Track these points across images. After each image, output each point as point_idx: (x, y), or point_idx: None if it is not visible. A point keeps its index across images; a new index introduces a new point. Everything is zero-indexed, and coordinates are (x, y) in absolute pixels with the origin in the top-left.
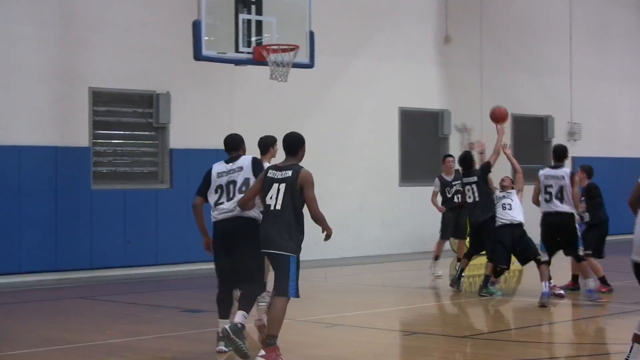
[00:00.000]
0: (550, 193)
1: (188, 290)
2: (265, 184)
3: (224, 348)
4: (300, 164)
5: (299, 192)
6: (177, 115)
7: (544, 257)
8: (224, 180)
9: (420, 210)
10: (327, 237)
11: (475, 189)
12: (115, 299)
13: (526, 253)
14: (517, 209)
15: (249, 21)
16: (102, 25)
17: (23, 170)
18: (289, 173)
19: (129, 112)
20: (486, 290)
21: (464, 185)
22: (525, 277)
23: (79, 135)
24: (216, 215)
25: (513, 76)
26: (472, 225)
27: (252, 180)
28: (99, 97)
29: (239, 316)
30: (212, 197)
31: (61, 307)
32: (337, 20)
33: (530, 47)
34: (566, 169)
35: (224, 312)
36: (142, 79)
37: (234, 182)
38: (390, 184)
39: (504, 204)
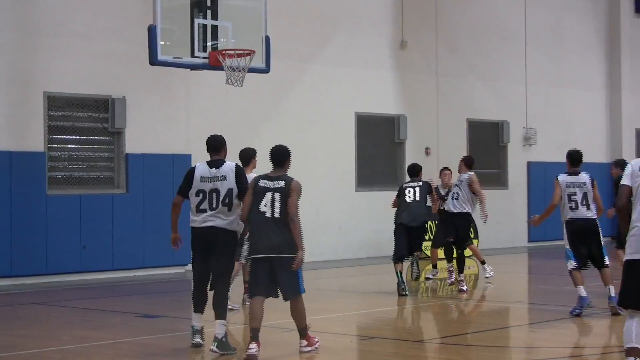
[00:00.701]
0: (575, 201)
1: (144, 295)
2: (257, 193)
3: (200, 341)
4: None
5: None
6: (133, 120)
7: (572, 265)
8: (207, 187)
9: (376, 215)
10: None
11: (417, 192)
12: (70, 305)
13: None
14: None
15: (204, 26)
16: (58, 30)
17: None
18: (282, 183)
19: (85, 117)
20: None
21: (406, 187)
22: (481, 281)
23: (34, 140)
24: (197, 222)
25: (469, 81)
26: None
27: (235, 190)
28: (54, 102)
29: (219, 327)
30: (193, 200)
31: (16, 313)
32: (293, 25)
33: (485, 53)
34: (586, 175)
35: (199, 307)
36: (97, 83)
37: (217, 191)
38: (346, 189)
39: (454, 194)
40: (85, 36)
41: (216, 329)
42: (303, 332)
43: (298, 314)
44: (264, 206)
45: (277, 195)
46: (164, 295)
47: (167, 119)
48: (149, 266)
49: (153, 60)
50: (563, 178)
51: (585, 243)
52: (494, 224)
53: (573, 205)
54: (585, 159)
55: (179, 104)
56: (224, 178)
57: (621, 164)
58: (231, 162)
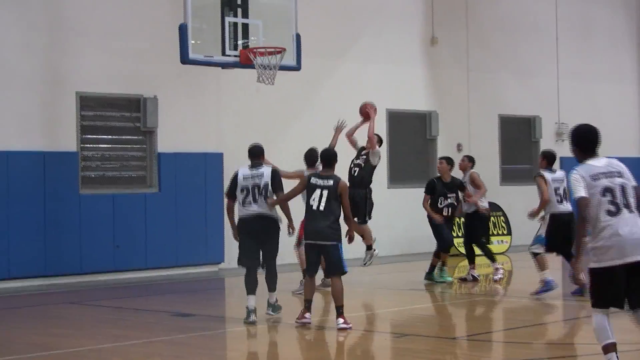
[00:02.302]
0: (560, 195)
1: (177, 294)
2: (309, 189)
3: (254, 318)
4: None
5: (338, 197)
6: (165, 119)
7: (540, 249)
8: (249, 183)
9: (409, 212)
10: (350, 239)
11: None
12: (104, 304)
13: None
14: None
15: (235, 24)
16: (89, 30)
17: (11, 176)
18: (331, 182)
19: (117, 117)
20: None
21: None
22: (515, 277)
23: (66, 140)
24: (243, 212)
25: (500, 77)
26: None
27: (270, 185)
28: (86, 102)
29: (271, 296)
30: (239, 196)
31: (50, 313)
32: (324, 22)
33: (516, 48)
34: (562, 171)
35: (252, 290)
36: (129, 83)
37: (257, 186)
38: (379, 186)
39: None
40: (116, 35)
41: (269, 298)
42: (340, 310)
43: (337, 291)
44: (313, 200)
45: (324, 192)
46: (197, 293)
47: (199, 117)
48: (182, 265)
49: (184, 59)
50: (548, 175)
51: (565, 235)
52: (527, 220)
53: (559, 198)
54: (617, 153)
55: (210, 103)
56: (262, 175)
57: None
58: (269, 167)
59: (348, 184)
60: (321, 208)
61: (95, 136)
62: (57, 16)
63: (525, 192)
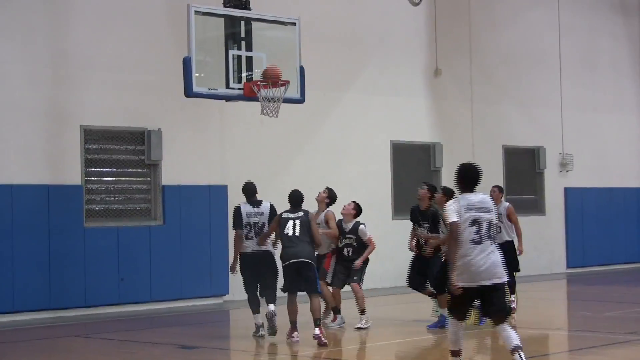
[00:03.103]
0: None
1: (182, 326)
2: (282, 223)
3: (264, 333)
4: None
5: (309, 226)
6: (169, 152)
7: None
8: (252, 220)
9: None
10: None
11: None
12: (109, 337)
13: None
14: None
15: (239, 57)
16: (93, 63)
17: (16, 209)
18: (301, 213)
19: (121, 150)
20: None
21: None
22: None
23: (71, 173)
24: (247, 247)
25: (504, 108)
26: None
27: (267, 223)
28: (90, 135)
29: (272, 306)
30: (244, 231)
31: (55, 346)
32: (327, 54)
33: (520, 79)
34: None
35: (256, 308)
36: (133, 116)
37: (257, 224)
38: (383, 217)
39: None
40: (119, 69)
41: (270, 307)
42: (317, 322)
43: (317, 306)
44: (287, 229)
45: (297, 222)
46: (202, 325)
47: (203, 150)
48: (187, 297)
49: (188, 92)
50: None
51: None
52: (532, 250)
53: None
54: (621, 184)
55: (214, 135)
56: (262, 214)
57: None
58: (266, 202)
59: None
60: (297, 234)
61: (99, 169)
62: (61, 50)
63: (530, 222)
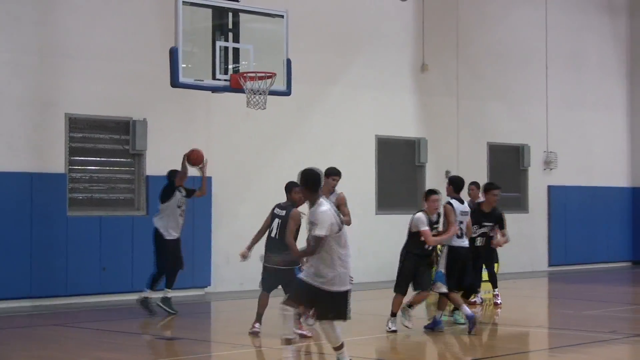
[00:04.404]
0: (461, 228)
1: (164, 317)
2: (272, 218)
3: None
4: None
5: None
6: (154, 142)
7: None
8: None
9: (396, 239)
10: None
11: None
12: (90, 326)
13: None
14: None
15: (226, 48)
16: (79, 52)
17: None
18: (284, 212)
19: (106, 139)
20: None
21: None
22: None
23: (55, 161)
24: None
25: (489, 105)
26: None
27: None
28: (75, 124)
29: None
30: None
31: (35, 335)
32: (314, 48)
33: (506, 77)
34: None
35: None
36: (118, 105)
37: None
38: (367, 212)
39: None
40: (106, 58)
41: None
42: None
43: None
44: (271, 228)
45: (279, 221)
46: (183, 317)
47: (188, 141)
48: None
49: (174, 83)
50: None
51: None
52: (515, 247)
53: (460, 233)
54: (606, 183)
55: (199, 126)
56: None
57: None
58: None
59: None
60: (277, 236)
61: (83, 158)
62: (47, 38)
63: (513, 219)
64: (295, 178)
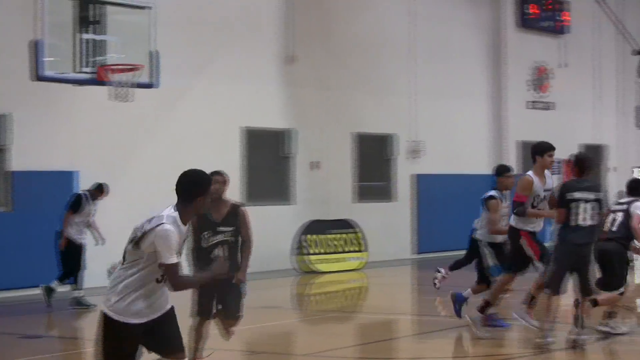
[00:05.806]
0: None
1: (28, 315)
2: None
3: None
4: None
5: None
6: (19, 137)
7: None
8: None
9: (264, 230)
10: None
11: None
12: None
13: None
14: None
15: (94, 41)
16: None
17: None
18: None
19: None
20: None
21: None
22: (370, 293)
23: None
24: None
25: (357, 95)
26: None
27: None
28: None
29: None
30: None
31: None
32: (181, 39)
33: (374, 67)
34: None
35: None
36: None
37: None
38: None
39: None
40: None
41: None
42: None
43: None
44: None
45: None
46: (48, 314)
47: (54, 135)
48: (36, 285)
49: (38, 76)
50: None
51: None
52: (380, 236)
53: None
54: (469, 170)
55: (65, 120)
56: None
57: None
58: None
59: None
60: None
61: None
62: None
63: (379, 208)
64: (161, 170)
